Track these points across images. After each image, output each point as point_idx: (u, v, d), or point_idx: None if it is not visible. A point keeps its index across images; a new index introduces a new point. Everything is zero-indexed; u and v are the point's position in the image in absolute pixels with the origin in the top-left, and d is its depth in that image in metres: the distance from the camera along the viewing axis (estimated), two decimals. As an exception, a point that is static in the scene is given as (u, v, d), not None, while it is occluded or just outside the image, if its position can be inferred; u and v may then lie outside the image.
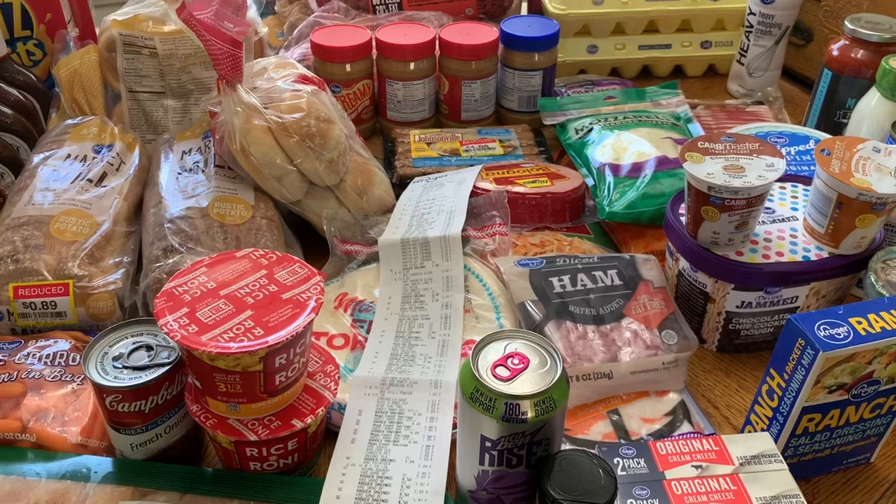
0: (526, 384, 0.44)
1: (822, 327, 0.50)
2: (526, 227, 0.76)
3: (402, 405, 0.58)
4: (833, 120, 0.91)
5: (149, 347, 0.54)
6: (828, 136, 0.86)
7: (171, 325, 0.48)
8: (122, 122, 0.85)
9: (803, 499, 0.48)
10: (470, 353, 0.46)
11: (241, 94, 0.71)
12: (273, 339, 0.48)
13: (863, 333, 0.49)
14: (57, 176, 0.72)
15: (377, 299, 0.68)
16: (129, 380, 0.52)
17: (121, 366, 0.53)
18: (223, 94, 0.72)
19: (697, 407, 0.62)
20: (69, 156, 0.75)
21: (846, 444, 0.56)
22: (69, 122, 0.80)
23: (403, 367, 0.61)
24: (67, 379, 0.59)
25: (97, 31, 0.93)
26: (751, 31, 1.02)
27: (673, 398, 0.61)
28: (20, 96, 0.85)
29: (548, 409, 0.44)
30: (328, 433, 0.59)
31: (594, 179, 0.79)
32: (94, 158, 0.75)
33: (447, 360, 0.62)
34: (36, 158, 0.75)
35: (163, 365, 0.53)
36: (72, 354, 0.61)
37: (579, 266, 0.67)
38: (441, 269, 0.69)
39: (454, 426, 0.56)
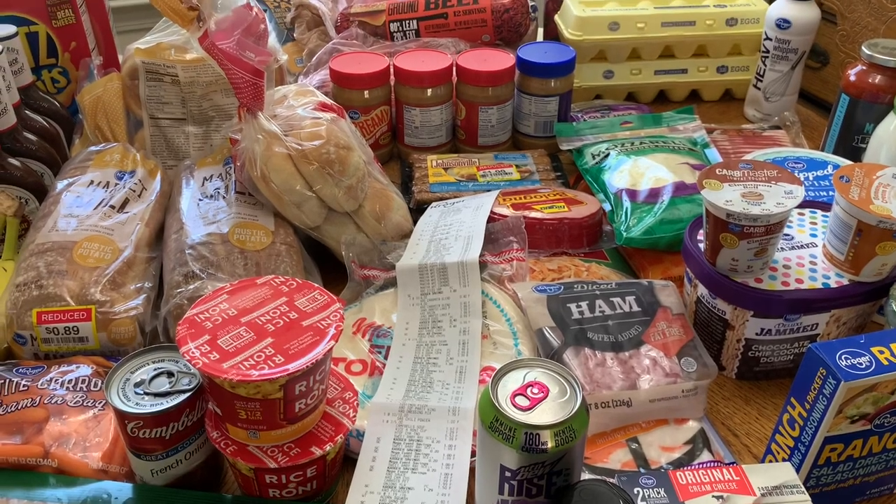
0: (546, 414, 0.44)
1: (843, 356, 0.49)
2: (543, 252, 0.76)
3: (420, 433, 0.58)
4: (851, 145, 0.91)
5: (170, 374, 0.54)
6: (846, 161, 0.85)
7: (192, 353, 0.49)
8: (144, 149, 0.86)
9: (826, 531, 0.48)
10: (489, 381, 0.46)
11: (261, 122, 0.72)
12: (293, 366, 0.48)
13: (885, 363, 0.49)
14: (80, 202, 0.73)
15: (395, 325, 0.68)
16: (150, 406, 0.52)
17: (142, 392, 0.53)
18: (244, 121, 0.73)
19: (717, 435, 0.61)
20: (92, 182, 0.76)
21: (869, 474, 0.56)
22: (92, 148, 0.81)
23: (421, 394, 0.61)
24: (89, 404, 0.60)
25: (120, 59, 0.95)
26: (767, 56, 1.03)
27: (692, 426, 0.61)
28: (45, 123, 0.87)
29: (568, 440, 0.44)
30: (347, 460, 0.59)
31: (611, 205, 0.80)
32: (116, 185, 0.76)
33: (465, 387, 0.62)
34: (60, 185, 0.77)
35: (184, 391, 0.53)
36: (94, 380, 0.62)
37: (597, 292, 0.67)
38: (459, 294, 0.69)
39: (473, 454, 0.56)
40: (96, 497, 0.54)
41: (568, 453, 0.45)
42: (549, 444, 0.44)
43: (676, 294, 0.68)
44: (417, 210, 0.84)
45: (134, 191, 0.76)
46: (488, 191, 0.84)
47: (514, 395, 0.46)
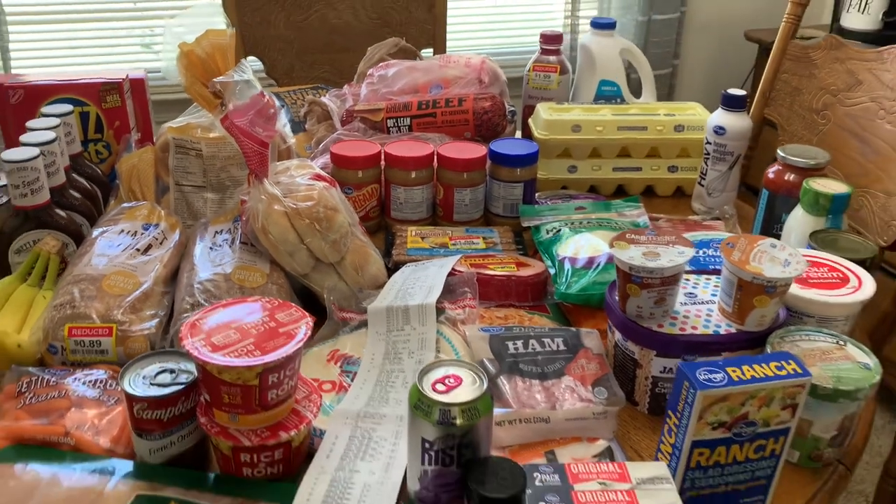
0: (457, 396, 0.57)
1: (702, 372, 0.62)
2: (494, 304, 0.90)
3: (371, 432, 0.70)
4: (772, 232, 1.05)
5: (172, 371, 0.68)
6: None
7: (190, 345, 0.62)
8: (168, 209, 1.02)
9: (684, 510, 0.59)
10: (416, 374, 0.60)
11: (266, 186, 0.88)
12: (268, 358, 0.61)
13: (735, 379, 0.62)
14: (111, 245, 0.89)
15: (363, 355, 0.82)
16: (153, 392, 0.65)
17: (148, 383, 0.67)
18: (252, 185, 0.89)
19: (623, 453, 0.73)
20: (123, 230, 0.92)
21: (739, 482, 0.67)
22: (125, 205, 0.98)
23: (378, 406, 0.74)
24: (104, 400, 0.73)
25: (154, 135, 1.12)
26: (708, 158, 1.19)
27: (602, 444, 0.73)
28: (87, 185, 1.04)
29: (473, 417, 0.57)
30: (311, 458, 0.71)
31: (555, 269, 0.94)
32: (142, 233, 0.92)
33: (414, 403, 0.74)
34: (95, 232, 0.92)
35: (181, 384, 0.66)
36: (109, 381, 0.75)
37: (531, 334, 0.80)
38: (418, 332, 0.82)
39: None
40: (103, 469, 0.67)
41: (474, 430, 0.57)
42: (459, 420, 0.57)
43: (598, 339, 0.81)
44: (395, 268, 0.98)
45: (157, 238, 0.91)
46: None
47: (435, 383, 0.59)
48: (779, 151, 1.03)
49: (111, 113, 1.12)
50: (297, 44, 1.75)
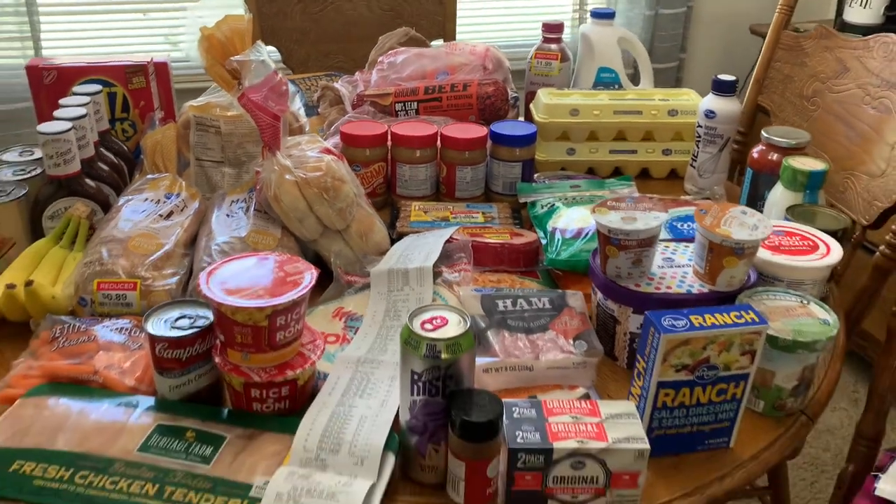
0: (442, 334, 0.64)
1: (667, 319, 0.69)
2: (488, 269, 0.97)
3: (370, 375, 0.77)
4: (756, 209, 1.11)
5: (190, 317, 0.75)
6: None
7: (207, 289, 0.70)
8: (188, 182, 1.10)
9: (647, 441, 0.65)
10: (408, 315, 0.66)
11: (278, 158, 0.95)
12: (277, 301, 0.69)
13: (697, 325, 0.68)
14: (136, 211, 0.97)
15: (366, 313, 0.89)
16: (173, 333, 0.73)
17: (169, 326, 0.74)
18: (265, 158, 0.96)
19: (599, 399, 0.79)
20: (147, 199, 1.00)
21: (703, 423, 0.73)
22: (149, 176, 1.05)
23: (377, 354, 0.81)
24: (129, 345, 0.81)
25: (176, 113, 1.20)
26: (699, 141, 1.25)
27: (580, 391, 0.79)
28: (114, 160, 1.12)
29: (456, 351, 0.64)
30: (314, 398, 0.78)
31: (546, 239, 1.01)
32: (164, 201, 0.99)
33: (410, 353, 0.81)
34: (121, 200, 1.00)
35: (198, 327, 0.74)
36: (134, 330, 0.83)
37: (520, 294, 0.87)
38: (416, 292, 0.89)
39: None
40: (128, 403, 0.74)
41: (457, 363, 0.64)
42: (443, 354, 0.63)
43: (582, 299, 0.87)
44: (398, 240, 1.05)
45: (178, 206, 0.99)
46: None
47: (424, 322, 0.66)
48: (763, 132, 1.09)
49: (137, 94, 1.20)
50: (312, 34, 1.82)
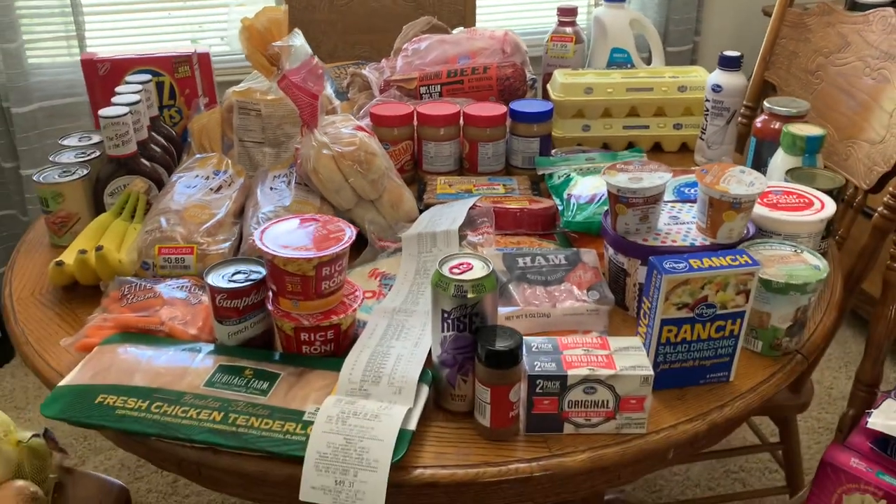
0: (469, 276, 0.73)
1: (668, 263, 0.77)
2: (509, 232, 1.06)
3: (404, 322, 0.86)
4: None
5: (244, 272, 0.85)
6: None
7: (262, 243, 0.79)
8: (233, 161, 1.20)
9: (651, 368, 0.74)
10: (438, 262, 0.75)
11: (316, 135, 1.05)
12: (322, 253, 0.78)
13: (695, 267, 0.77)
14: (189, 185, 1.07)
15: (398, 272, 0.98)
16: (232, 285, 0.82)
17: (227, 280, 0.84)
18: (304, 135, 1.06)
19: (612, 343, 0.88)
20: (198, 175, 1.10)
21: (704, 358, 0.81)
22: (198, 156, 1.15)
23: (410, 305, 0.90)
24: (190, 300, 0.91)
25: (218, 100, 1.30)
26: (707, 114, 1.32)
27: (594, 335, 0.88)
28: (164, 142, 1.22)
29: (481, 290, 0.73)
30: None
31: (563, 205, 1.09)
32: (213, 177, 1.09)
33: (439, 304, 0.90)
34: (174, 177, 1.10)
35: (253, 280, 0.83)
36: (193, 288, 0.93)
37: (538, 253, 0.96)
38: (443, 253, 0.98)
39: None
40: (192, 349, 0.84)
41: (481, 302, 0.73)
42: (470, 294, 0.72)
43: (594, 255, 0.96)
44: (425, 210, 1.14)
45: (226, 181, 1.09)
46: (477, 197, 1.14)
47: (451, 268, 0.75)
48: (765, 102, 1.17)
49: (182, 82, 1.30)
50: (339, 25, 1.91)
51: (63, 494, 1.12)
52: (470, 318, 0.74)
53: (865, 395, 1.08)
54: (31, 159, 1.97)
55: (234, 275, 0.85)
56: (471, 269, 0.75)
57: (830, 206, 0.95)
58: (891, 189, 1.15)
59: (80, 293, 0.99)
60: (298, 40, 1.05)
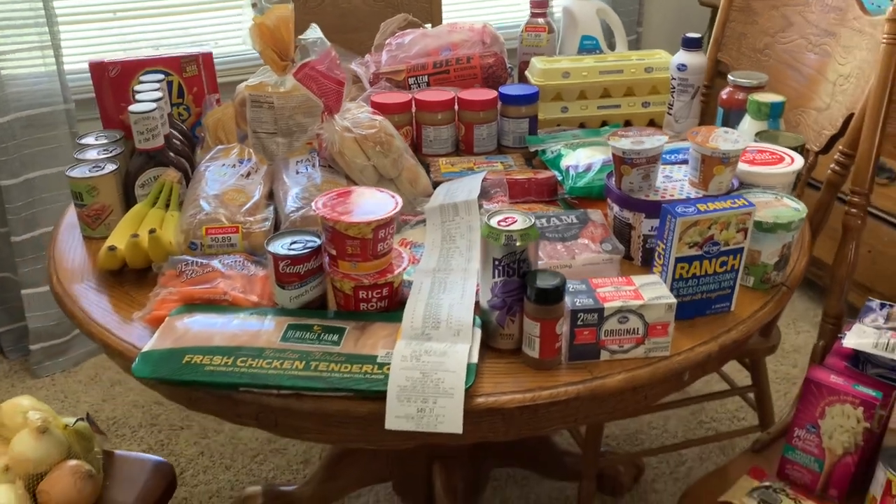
0: (515, 227, 0.84)
1: (679, 208, 0.90)
2: (519, 200, 1.17)
3: (445, 279, 0.96)
4: (727, 142, 1.33)
5: (300, 242, 0.94)
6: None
7: (324, 210, 0.88)
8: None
9: (672, 297, 0.86)
10: (486, 217, 0.86)
11: (338, 120, 1.14)
12: (379, 215, 0.88)
13: (703, 210, 0.89)
14: (219, 173, 1.14)
15: (426, 240, 1.08)
16: (293, 252, 0.91)
17: (286, 248, 0.92)
18: (325, 120, 1.15)
19: (626, 287, 1.00)
20: (223, 164, 1.18)
21: (710, 291, 0.94)
22: (219, 147, 1.23)
23: (445, 266, 1.00)
24: (245, 272, 0.99)
25: (234, 94, 1.37)
26: (674, 91, 1.47)
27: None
28: (181, 136, 1.29)
29: (527, 238, 0.84)
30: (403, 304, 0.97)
31: (562, 175, 1.21)
32: (240, 165, 1.17)
33: (471, 263, 1.01)
34: (202, 167, 1.18)
35: (311, 247, 0.92)
36: (244, 261, 1.01)
37: (552, 215, 1.07)
38: (465, 220, 1.09)
39: (476, 291, 0.94)
40: (259, 313, 0.93)
41: (527, 249, 0.84)
42: (518, 242, 0.83)
43: (601, 215, 1.08)
44: (435, 188, 1.24)
45: (253, 168, 1.17)
46: (482, 172, 1.25)
47: (499, 222, 0.85)
48: (729, 76, 1.31)
49: (190, 81, 1.37)
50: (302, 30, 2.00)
51: (109, 474, 1.18)
52: (518, 264, 0.85)
53: (833, 326, 1.23)
54: (9, 170, 1.98)
55: (291, 244, 0.93)
56: (515, 221, 0.86)
57: (799, 161, 1.09)
58: (840, 148, 1.31)
59: (131, 276, 1.06)
60: (318, 33, 1.14)
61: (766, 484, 1.10)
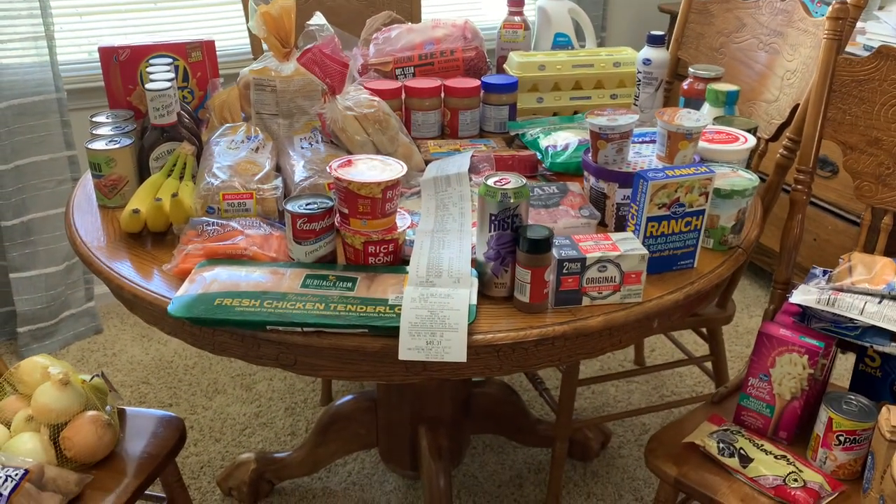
0: (509, 186, 0.96)
1: (650, 173, 1.03)
2: (504, 174, 1.29)
3: (443, 237, 1.08)
4: (688, 128, 1.47)
5: (313, 202, 1.05)
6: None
7: (338, 171, 0.99)
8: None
9: (645, 249, 0.99)
10: (484, 177, 0.98)
11: (340, 100, 1.25)
12: (388, 176, 0.99)
13: (670, 175, 1.03)
14: (229, 148, 1.24)
15: (421, 207, 1.19)
16: (309, 210, 1.02)
17: (302, 208, 1.03)
18: (328, 101, 1.26)
19: (602, 247, 1.13)
20: (233, 140, 1.28)
21: (676, 248, 1.08)
22: (227, 125, 1.33)
23: (441, 228, 1.12)
24: (263, 231, 1.09)
25: (238, 78, 1.47)
26: (640, 83, 1.61)
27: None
28: (189, 116, 1.38)
29: (520, 196, 0.96)
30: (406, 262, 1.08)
31: (542, 154, 1.34)
32: (249, 140, 1.27)
33: (464, 227, 1.12)
34: (212, 142, 1.27)
35: (325, 206, 1.03)
36: (259, 223, 1.11)
37: (535, 185, 1.20)
38: (457, 190, 1.21)
39: (472, 250, 1.06)
40: (276, 268, 1.03)
41: (520, 205, 0.96)
42: (511, 199, 0.95)
43: (580, 186, 1.21)
44: (426, 164, 1.36)
45: (261, 143, 1.27)
46: (468, 151, 1.37)
47: (495, 182, 0.97)
48: (690, 69, 1.46)
49: (195, 66, 1.47)
50: (298, 23, 2.10)
51: (122, 427, 1.27)
52: (511, 219, 0.97)
53: (782, 291, 1.38)
54: (0, 156, 2.04)
55: (307, 205, 1.04)
56: (508, 182, 0.98)
57: (752, 140, 1.24)
58: (787, 135, 1.47)
59: (152, 239, 1.15)
60: (322, 20, 1.25)
61: (725, 427, 1.23)
